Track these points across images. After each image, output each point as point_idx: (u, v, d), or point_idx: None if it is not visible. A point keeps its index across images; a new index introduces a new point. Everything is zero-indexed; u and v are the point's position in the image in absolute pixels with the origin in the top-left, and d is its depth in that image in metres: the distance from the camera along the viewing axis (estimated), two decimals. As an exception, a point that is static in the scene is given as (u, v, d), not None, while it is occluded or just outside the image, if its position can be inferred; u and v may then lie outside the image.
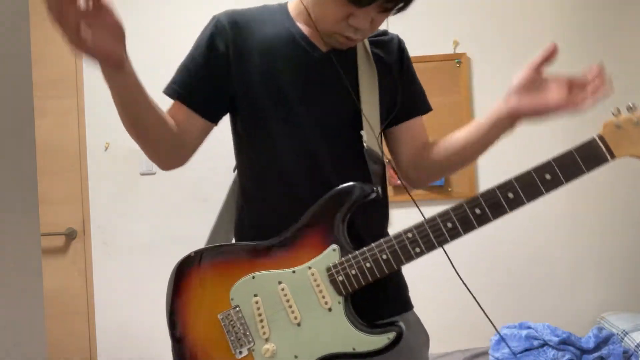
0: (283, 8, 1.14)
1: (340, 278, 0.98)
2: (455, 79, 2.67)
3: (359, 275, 0.98)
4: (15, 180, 0.79)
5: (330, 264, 0.99)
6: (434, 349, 1.15)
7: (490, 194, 0.94)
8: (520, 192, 0.92)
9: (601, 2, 2.68)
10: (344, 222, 1.01)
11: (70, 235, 2.71)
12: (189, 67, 1.10)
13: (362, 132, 1.07)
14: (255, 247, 1.04)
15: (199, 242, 1.18)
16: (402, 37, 1.20)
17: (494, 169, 2.46)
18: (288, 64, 1.07)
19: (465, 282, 1.09)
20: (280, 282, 1.00)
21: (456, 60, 2.67)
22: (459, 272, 1.07)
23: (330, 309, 0.99)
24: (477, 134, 1.08)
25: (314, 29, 1.07)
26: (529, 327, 2.35)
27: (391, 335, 0.96)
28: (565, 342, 2.25)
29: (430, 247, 0.96)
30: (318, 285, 0.99)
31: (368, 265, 0.98)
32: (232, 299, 1.02)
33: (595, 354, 2.21)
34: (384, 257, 0.97)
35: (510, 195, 0.92)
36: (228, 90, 1.08)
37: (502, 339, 1.46)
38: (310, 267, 1.00)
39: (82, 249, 2.72)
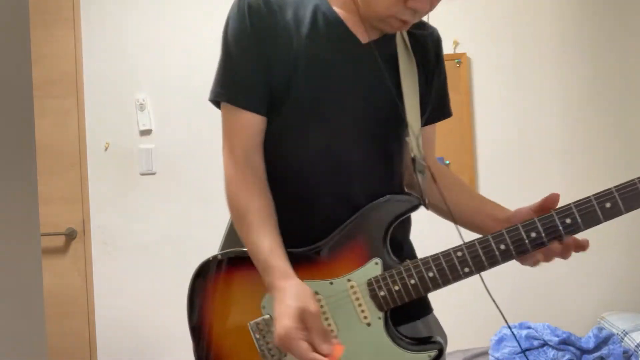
0: None
1: (382, 293, 0.93)
2: (455, 79, 2.66)
3: (403, 291, 0.93)
4: (15, 180, 0.79)
5: (372, 278, 0.94)
6: (434, 349, 1.15)
7: (547, 218, 0.91)
8: (578, 219, 0.90)
9: (601, 2, 2.68)
10: (387, 234, 0.95)
11: (70, 235, 2.70)
12: (234, 64, 0.98)
13: (408, 140, 1.00)
14: (288, 254, 0.96)
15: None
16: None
17: (494, 169, 2.48)
18: (323, 54, 0.97)
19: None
20: (316, 293, 0.94)
21: (456, 60, 2.67)
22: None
23: (369, 324, 0.94)
24: (471, 220, 1.08)
25: (354, 14, 0.98)
26: (529, 327, 2.35)
27: (432, 353, 0.93)
28: (565, 342, 2.25)
29: (480, 269, 0.92)
30: (357, 299, 0.94)
31: (413, 282, 0.92)
32: (263, 307, 0.96)
33: (595, 354, 2.21)
34: (430, 274, 0.92)
35: (568, 220, 0.90)
36: (267, 76, 0.98)
37: (511, 332, 1.45)
38: (349, 280, 0.94)
39: (82, 249, 2.71)
